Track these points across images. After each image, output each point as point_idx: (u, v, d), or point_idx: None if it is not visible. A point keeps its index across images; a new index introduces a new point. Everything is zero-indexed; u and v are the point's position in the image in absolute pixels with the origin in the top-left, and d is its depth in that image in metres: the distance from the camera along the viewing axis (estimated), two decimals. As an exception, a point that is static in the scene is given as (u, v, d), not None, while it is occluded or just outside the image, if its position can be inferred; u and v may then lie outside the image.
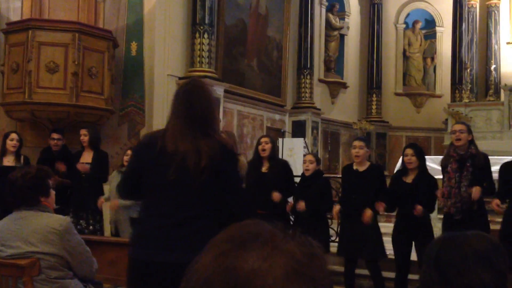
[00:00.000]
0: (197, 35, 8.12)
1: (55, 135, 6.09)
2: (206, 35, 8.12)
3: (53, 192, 2.96)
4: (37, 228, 2.69)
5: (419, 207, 4.53)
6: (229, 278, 0.69)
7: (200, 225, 2.31)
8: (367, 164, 4.95)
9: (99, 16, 7.85)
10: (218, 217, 2.39)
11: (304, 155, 6.51)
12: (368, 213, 4.66)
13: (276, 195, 4.96)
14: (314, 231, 4.91)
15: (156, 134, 2.47)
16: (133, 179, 2.48)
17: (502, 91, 11.57)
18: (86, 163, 5.77)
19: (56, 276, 2.68)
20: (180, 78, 8.04)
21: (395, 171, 5.34)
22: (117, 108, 7.64)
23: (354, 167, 4.93)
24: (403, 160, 4.80)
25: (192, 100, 2.39)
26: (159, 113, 7.51)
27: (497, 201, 4.42)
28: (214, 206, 2.38)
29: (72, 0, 7.70)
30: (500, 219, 4.64)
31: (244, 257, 0.70)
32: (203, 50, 8.10)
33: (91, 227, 5.72)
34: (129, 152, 5.62)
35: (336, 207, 4.99)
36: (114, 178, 5.63)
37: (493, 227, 4.79)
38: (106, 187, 5.90)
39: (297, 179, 5.51)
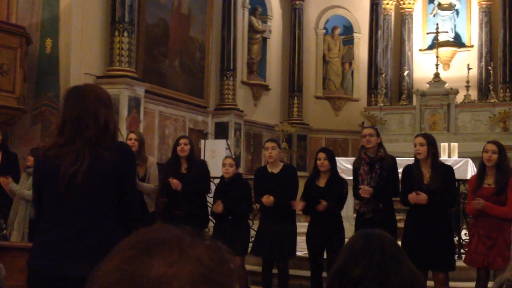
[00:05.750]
0: (117, 33, 7.91)
1: None
2: (126, 34, 7.93)
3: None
4: None
5: (323, 203, 4.63)
6: (133, 286, 0.66)
7: (103, 234, 2.24)
8: (281, 165, 5.05)
9: (11, 11, 7.46)
10: (120, 220, 2.34)
11: (224, 158, 6.52)
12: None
13: (174, 182, 4.90)
14: (235, 233, 4.94)
15: (47, 145, 2.40)
16: (38, 195, 2.41)
17: (414, 96, 12.16)
18: None
19: (-42, 286, 2.52)
20: (98, 77, 7.80)
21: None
22: (29, 107, 7.29)
23: (269, 170, 5.01)
24: (315, 164, 4.91)
25: (66, 106, 2.33)
26: (75, 113, 7.24)
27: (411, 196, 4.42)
28: (114, 210, 2.32)
29: (-18, -7, 7.28)
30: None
31: (149, 263, 0.68)
32: (122, 49, 7.91)
33: (4, 231, 5.46)
34: (30, 158, 5.47)
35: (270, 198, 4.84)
36: (24, 180, 5.45)
37: (400, 225, 4.98)
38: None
39: (217, 181, 5.51)
